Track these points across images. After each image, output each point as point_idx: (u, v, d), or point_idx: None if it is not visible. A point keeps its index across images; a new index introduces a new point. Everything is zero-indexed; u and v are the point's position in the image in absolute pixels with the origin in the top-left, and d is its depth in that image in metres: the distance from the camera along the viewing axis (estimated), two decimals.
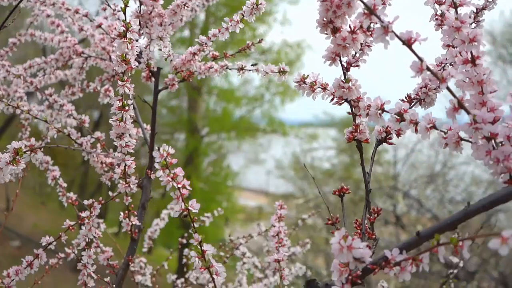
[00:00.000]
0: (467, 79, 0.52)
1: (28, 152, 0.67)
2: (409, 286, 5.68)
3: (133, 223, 0.95)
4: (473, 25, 0.69)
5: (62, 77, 1.35)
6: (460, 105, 0.50)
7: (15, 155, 0.65)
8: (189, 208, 0.61)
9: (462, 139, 0.53)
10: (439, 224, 0.50)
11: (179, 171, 0.60)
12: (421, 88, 0.66)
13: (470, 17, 0.70)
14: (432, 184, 6.55)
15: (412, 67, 0.50)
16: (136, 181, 0.89)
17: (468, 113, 0.50)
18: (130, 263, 0.97)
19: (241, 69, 0.93)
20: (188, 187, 0.61)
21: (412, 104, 0.67)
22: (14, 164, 0.66)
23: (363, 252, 0.49)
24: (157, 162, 0.59)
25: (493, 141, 0.51)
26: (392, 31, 0.48)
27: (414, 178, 6.98)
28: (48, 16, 1.18)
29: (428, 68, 0.49)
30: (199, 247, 0.63)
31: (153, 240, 1.50)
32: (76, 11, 1.07)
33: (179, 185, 0.60)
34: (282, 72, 0.82)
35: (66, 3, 1.09)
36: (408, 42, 0.49)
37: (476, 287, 5.54)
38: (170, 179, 0.60)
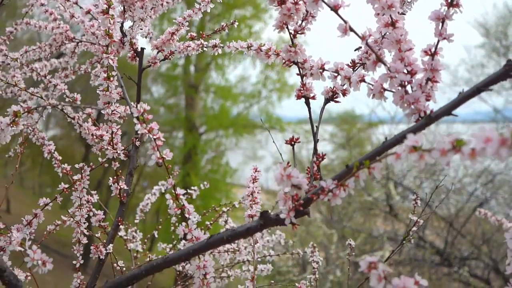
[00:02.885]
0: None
1: (26, 114, 0.78)
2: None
3: (121, 187, 1.05)
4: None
5: (56, 64, 1.46)
6: (378, 59, 0.61)
7: (14, 117, 0.76)
8: (164, 156, 0.72)
9: (385, 89, 0.64)
10: (362, 157, 0.60)
11: (155, 125, 0.71)
12: (363, 53, 0.77)
13: None
14: (425, 173, 6.68)
15: (339, 28, 0.60)
16: (123, 147, 0.99)
17: (385, 65, 0.60)
18: (119, 224, 1.08)
19: (214, 46, 1.04)
20: (162, 139, 0.72)
21: (356, 67, 0.77)
22: (14, 125, 0.76)
23: (300, 180, 0.60)
24: (135, 117, 0.70)
25: (408, 88, 0.62)
26: (322, 0, 0.59)
27: (408, 168, 7.11)
28: (42, 5, 1.29)
29: (351, 29, 0.60)
30: (173, 191, 0.74)
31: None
32: None
33: (155, 137, 0.71)
34: (249, 47, 0.93)
35: None
36: (335, 8, 0.60)
37: (467, 272, 5.67)
38: (147, 132, 0.70)
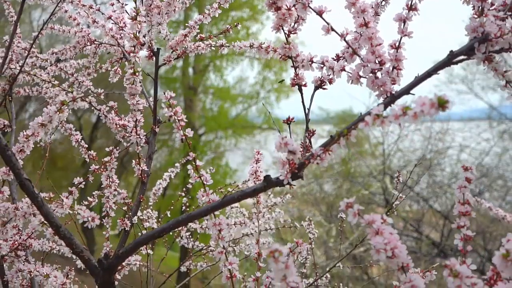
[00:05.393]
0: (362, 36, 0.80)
1: (72, 102, 0.95)
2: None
3: (143, 168, 1.22)
4: (383, 2, 0.97)
5: (75, 65, 1.63)
6: (354, 52, 0.78)
7: (61, 105, 0.92)
8: (186, 133, 0.89)
9: (360, 76, 0.81)
10: (342, 128, 0.77)
11: (179, 108, 0.88)
12: (345, 48, 0.94)
13: None
14: (422, 168, 6.87)
15: (323, 29, 0.77)
16: (145, 134, 1.16)
17: (359, 56, 0.78)
18: (141, 200, 1.24)
19: (221, 46, 1.21)
20: (185, 120, 0.89)
21: (340, 60, 0.94)
22: (60, 113, 0.93)
23: (295, 147, 0.77)
24: (163, 102, 0.87)
25: (379, 74, 0.79)
26: (309, 6, 0.76)
27: (404, 164, 7.30)
28: (66, 11, 1.45)
29: (332, 29, 0.77)
30: (194, 163, 0.91)
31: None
32: (90, 7, 1.35)
33: (179, 118, 0.88)
34: (251, 46, 1.10)
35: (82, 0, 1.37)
36: (320, 13, 0.77)
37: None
38: (173, 114, 0.87)
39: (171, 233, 1.65)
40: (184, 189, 1.72)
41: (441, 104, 0.55)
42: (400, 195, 1.36)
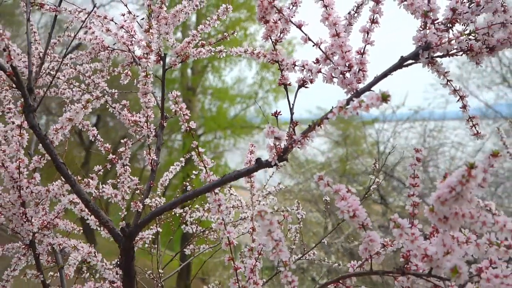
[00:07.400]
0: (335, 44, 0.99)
1: (95, 100, 1.13)
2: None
3: (153, 158, 1.41)
4: (356, 14, 1.15)
5: (87, 69, 1.81)
6: (326, 57, 0.97)
7: (86, 103, 1.11)
8: (190, 126, 1.08)
9: (333, 76, 0.99)
10: (317, 119, 0.96)
11: (183, 104, 1.07)
12: (322, 54, 1.12)
13: (353, 9, 1.16)
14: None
15: (301, 39, 0.96)
16: (154, 127, 1.35)
17: (331, 61, 0.96)
18: (151, 186, 1.43)
19: (220, 51, 1.39)
20: (188, 114, 1.07)
21: (319, 63, 1.13)
22: (85, 109, 1.12)
23: (280, 134, 0.95)
24: (170, 100, 1.05)
25: (348, 75, 0.97)
26: (290, 20, 0.95)
27: (398, 160, 7.49)
28: (83, 21, 1.64)
29: (309, 38, 0.95)
30: (197, 150, 1.10)
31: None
32: (105, 17, 1.53)
33: (184, 113, 1.06)
34: (245, 52, 1.28)
35: (97, 11, 1.55)
36: (299, 26, 0.96)
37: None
38: (178, 109, 1.06)
39: (177, 215, 1.83)
40: (188, 179, 1.90)
41: (384, 98, 0.74)
42: (377, 180, 1.54)
